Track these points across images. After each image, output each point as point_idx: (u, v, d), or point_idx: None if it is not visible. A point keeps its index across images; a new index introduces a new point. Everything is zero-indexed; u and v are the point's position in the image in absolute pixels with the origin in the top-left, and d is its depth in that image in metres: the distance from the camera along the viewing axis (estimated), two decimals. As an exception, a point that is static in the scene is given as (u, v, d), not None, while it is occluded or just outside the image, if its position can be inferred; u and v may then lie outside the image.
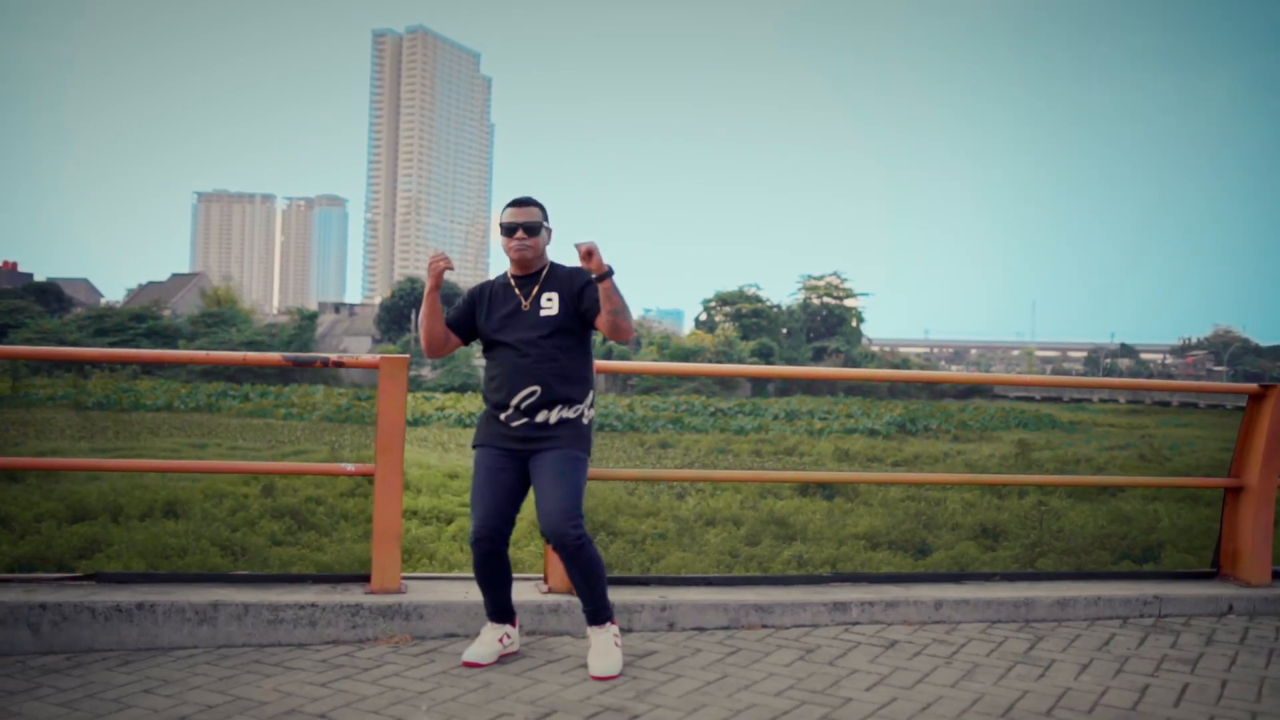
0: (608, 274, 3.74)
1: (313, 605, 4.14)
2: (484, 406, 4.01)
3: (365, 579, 4.45)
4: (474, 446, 3.97)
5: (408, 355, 4.32)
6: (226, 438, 23.25)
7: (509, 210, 3.95)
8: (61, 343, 54.06)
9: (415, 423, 30.91)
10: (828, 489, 12.77)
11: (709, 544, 10.07)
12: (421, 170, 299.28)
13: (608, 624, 3.91)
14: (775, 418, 35.84)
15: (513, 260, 3.95)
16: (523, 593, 4.44)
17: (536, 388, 3.83)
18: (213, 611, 4.06)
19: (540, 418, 3.85)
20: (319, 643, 4.13)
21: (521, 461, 3.89)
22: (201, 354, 4.09)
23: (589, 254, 3.69)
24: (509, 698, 3.58)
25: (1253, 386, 5.22)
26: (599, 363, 4.36)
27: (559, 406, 3.85)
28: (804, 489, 12.89)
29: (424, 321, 3.96)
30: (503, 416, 3.90)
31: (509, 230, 3.92)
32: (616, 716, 3.43)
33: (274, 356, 4.25)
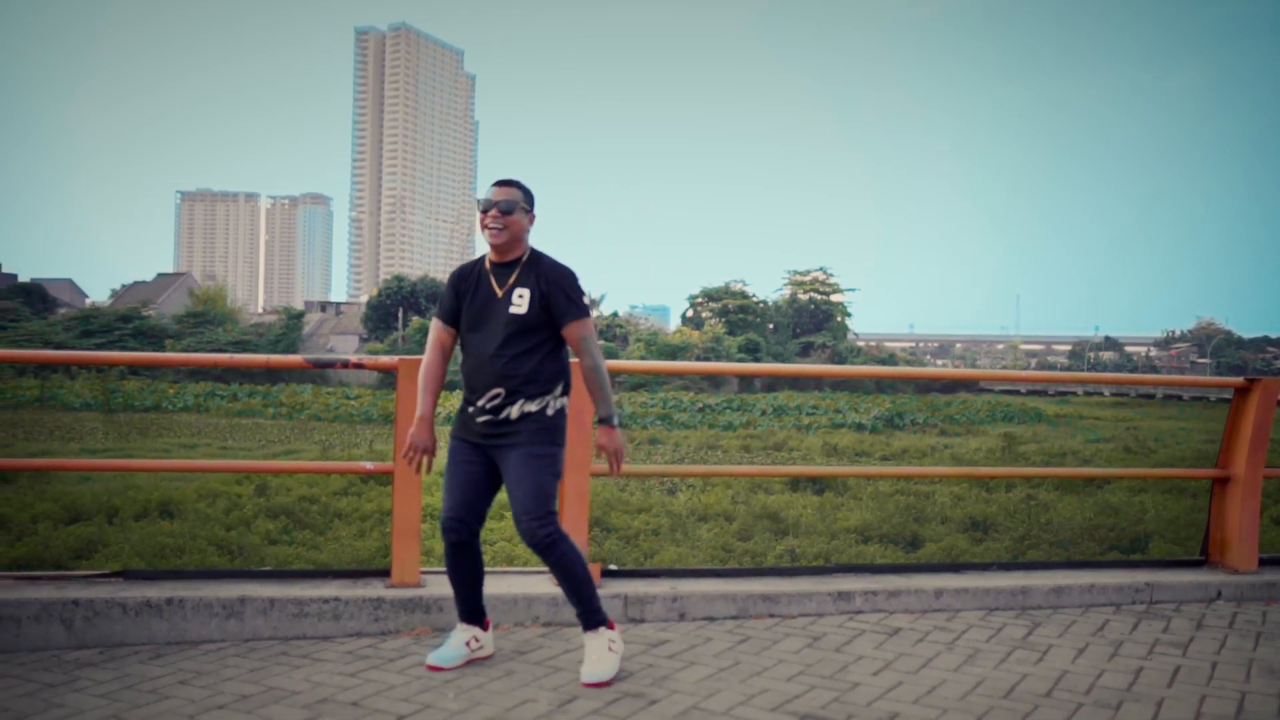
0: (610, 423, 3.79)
1: (336, 599, 4.28)
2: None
3: (384, 574, 4.58)
4: (450, 436, 3.95)
5: (426, 357, 4.43)
6: (216, 438, 23.27)
7: (490, 188, 3.83)
8: (48, 344, 53.95)
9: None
10: (818, 483, 12.93)
11: (702, 539, 10.19)
12: (406, 168, 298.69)
13: (601, 629, 3.81)
14: (763, 413, 36.06)
15: (489, 243, 3.81)
16: (537, 585, 4.59)
17: (500, 390, 3.76)
18: (240, 606, 4.19)
19: (503, 414, 3.77)
20: (343, 635, 4.26)
21: (488, 455, 3.83)
22: (225, 357, 4.22)
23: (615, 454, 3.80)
24: (531, 685, 3.72)
25: (1238, 380, 5.40)
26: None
27: (521, 401, 3.76)
28: (794, 484, 13.05)
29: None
30: (470, 410, 3.84)
31: (484, 207, 3.79)
32: (635, 702, 3.58)
33: (296, 359, 4.37)
